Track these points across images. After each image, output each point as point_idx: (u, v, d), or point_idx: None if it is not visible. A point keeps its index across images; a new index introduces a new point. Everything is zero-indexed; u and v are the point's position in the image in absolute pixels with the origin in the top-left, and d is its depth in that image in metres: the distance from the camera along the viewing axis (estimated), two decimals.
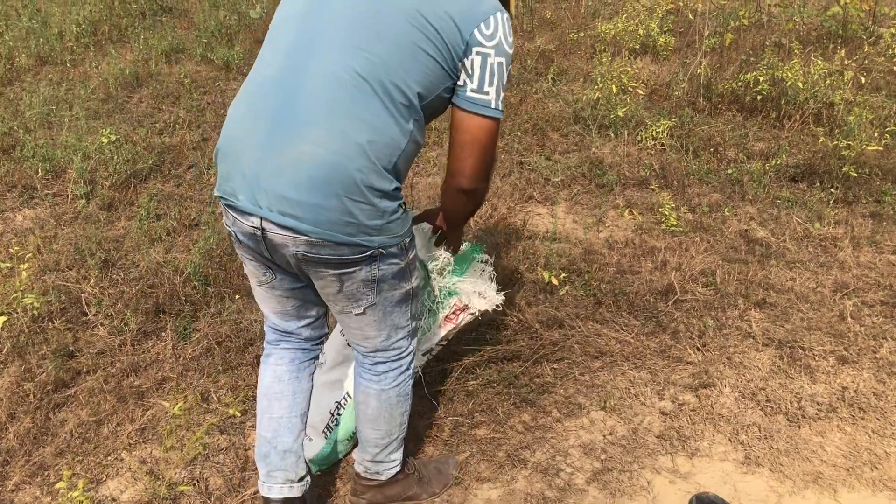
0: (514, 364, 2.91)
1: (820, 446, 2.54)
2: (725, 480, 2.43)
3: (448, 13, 1.78)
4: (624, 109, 5.03)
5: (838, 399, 2.73)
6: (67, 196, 4.17)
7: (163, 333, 3.04)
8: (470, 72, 1.83)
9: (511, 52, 1.88)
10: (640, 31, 6.41)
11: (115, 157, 4.47)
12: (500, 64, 1.84)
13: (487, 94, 1.84)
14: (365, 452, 2.23)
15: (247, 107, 1.83)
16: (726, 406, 2.73)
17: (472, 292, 2.39)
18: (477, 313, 2.44)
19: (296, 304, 2.10)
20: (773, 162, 4.43)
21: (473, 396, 2.75)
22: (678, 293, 3.29)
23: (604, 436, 2.62)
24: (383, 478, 2.26)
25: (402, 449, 2.27)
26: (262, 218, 1.77)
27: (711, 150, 4.73)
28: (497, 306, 2.47)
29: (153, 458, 2.50)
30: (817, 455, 2.51)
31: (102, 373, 2.83)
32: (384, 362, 2.12)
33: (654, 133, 4.85)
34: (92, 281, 3.30)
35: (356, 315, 1.98)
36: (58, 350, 2.90)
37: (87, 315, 3.12)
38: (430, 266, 2.31)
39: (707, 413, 2.69)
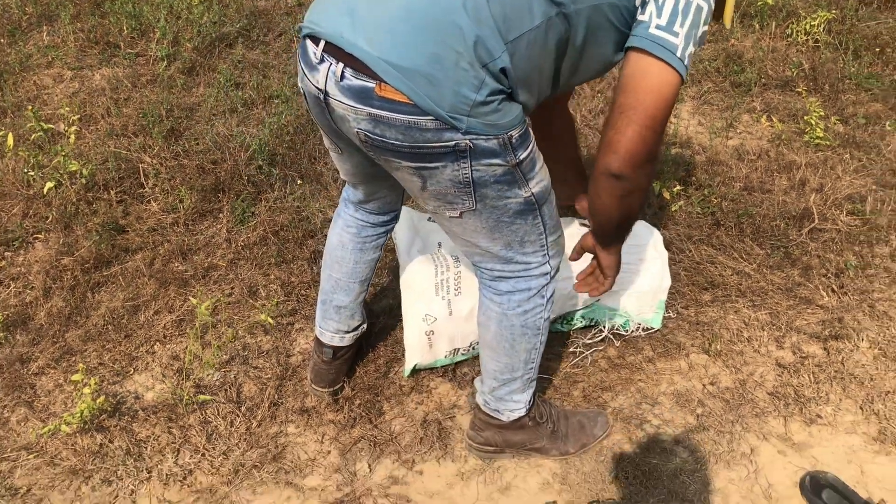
0: None
1: None
2: (850, 459, 1.97)
3: None
4: None
5: None
6: (150, 57, 3.91)
7: (219, 215, 2.76)
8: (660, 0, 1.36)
9: (713, 4, 1.39)
10: None
11: (204, 18, 4.16)
12: (698, 7, 1.35)
13: (676, 35, 1.34)
14: (483, 383, 1.89)
15: None
16: (861, 365, 2.23)
17: None
18: None
19: (366, 181, 1.77)
20: None
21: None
22: (816, 220, 2.73)
23: (703, 385, 2.19)
24: (504, 418, 1.90)
25: (529, 391, 1.88)
26: (332, 64, 1.35)
27: (877, 50, 3.99)
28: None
29: (187, 353, 2.25)
30: None
31: (149, 252, 2.59)
32: (507, 278, 1.68)
33: (807, 27, 4.12)
34: (156, 150, 3.04)
35: (452, 218, 1.54)
36: (105, 224, 2.66)
37: (143, 187, 2.86)
38: None
39: (836, 371, 2.21)
